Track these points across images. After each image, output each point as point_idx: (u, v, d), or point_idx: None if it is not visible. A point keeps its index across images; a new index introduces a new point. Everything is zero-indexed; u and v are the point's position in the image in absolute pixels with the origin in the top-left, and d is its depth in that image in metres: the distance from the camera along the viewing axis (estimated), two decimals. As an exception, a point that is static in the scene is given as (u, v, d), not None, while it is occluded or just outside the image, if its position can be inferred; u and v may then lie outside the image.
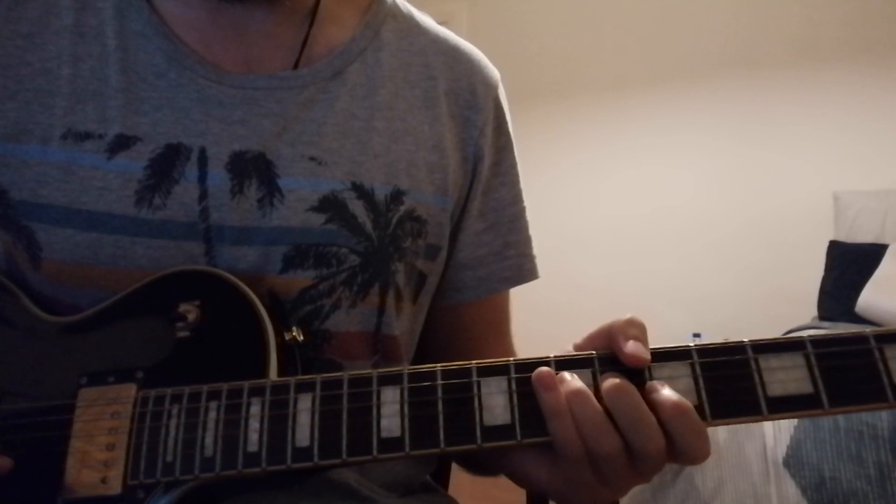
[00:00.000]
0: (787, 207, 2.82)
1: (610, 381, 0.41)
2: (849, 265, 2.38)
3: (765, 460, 1.39)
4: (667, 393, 0.40)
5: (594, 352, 0.43)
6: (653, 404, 0.40)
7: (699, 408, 0.41)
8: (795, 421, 1.39)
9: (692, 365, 0.42)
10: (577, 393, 0.41)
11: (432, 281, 0.64)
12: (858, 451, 1.31)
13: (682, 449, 0.40)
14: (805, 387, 0.40)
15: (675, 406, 0.40)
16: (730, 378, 0.41)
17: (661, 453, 0.40)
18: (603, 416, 0.40)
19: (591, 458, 0.41)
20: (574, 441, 0.41)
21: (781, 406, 0.40)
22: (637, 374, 0.42)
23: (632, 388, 0.41)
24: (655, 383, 0.41)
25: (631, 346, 0.42)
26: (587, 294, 2.98)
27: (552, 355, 0.43)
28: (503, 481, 0.57)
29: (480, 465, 0.63)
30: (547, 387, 0.41)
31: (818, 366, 0.41)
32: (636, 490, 1.49)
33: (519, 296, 0.72)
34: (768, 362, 0.41)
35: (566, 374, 0.42)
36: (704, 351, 0.42)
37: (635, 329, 0.43)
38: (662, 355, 0.42)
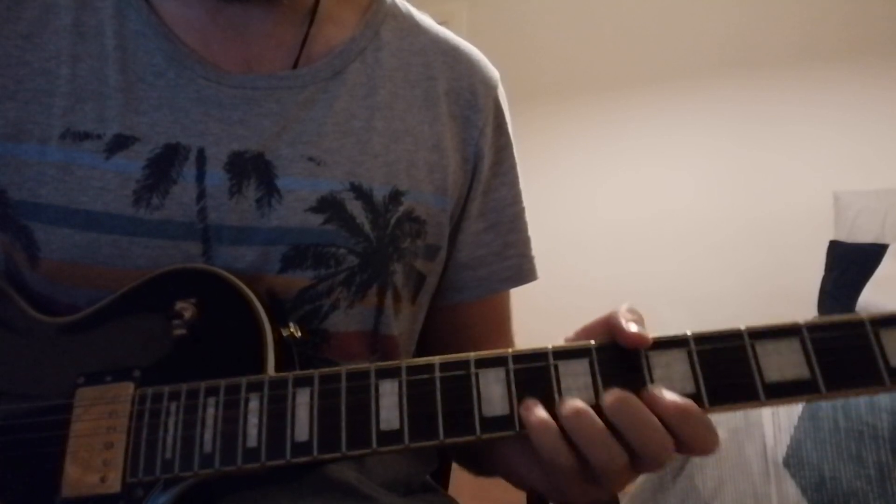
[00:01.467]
0: (788, 208, 2.82)
1: (610, 395, 0.40)
2: (849, 265, 2.38)
3: (765, 460, 1.39)
4: (669, 397, 0.40)
5: (591, 341, 0.43)
6: (656, 409, 0.40)
7: (696, 395, 0.41)
8: (796, 421, 1.39)
9: (689, 352, 0.42)
10: (577, 412, 0.40)
11: (431, 281, 0.64)
12: (858, 451, 1.31)
13: (690, 445, 0.40)
14: (802, 372, 0.40)
15: (680, 409, 0.39)
16: (727, 364, 0.41)
17: (669, 454, 0.40)
18: (606, 432, 0.40)
19: (589, 470, 0.41)
20: (561, 455, 0.40)
21: (779, 391, 0.40)
22: (635, 363, 0.42)
23: (630, 398, 0.40)
24: (653, 389, 0.40)
25: (634, 327, 0.42)
26: (587, 295, 2.98)
27: (550, 346, 0.43)
28: (503, 481, 0.57)
29: (480, 464, 0.63)
30: (525, 407, 0.41)
31: (814, 350, 0.41)
32: (636, 490, 1.49)
33: (519, 296, 0.72)
34: (765, 348, 0.41)
35: (566, 397, 0.41)
36: (701, 338, 0.42)
37: (634, 315, 0.43)
38: (659, 343, 0.42)
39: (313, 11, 0.60)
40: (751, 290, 2.82)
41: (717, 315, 2.83)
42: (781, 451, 1.38)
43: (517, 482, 0.54)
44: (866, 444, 1.32)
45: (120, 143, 0.53)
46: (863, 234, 2.47)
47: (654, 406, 0.40)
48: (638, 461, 0.41)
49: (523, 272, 0.69)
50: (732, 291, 2.86)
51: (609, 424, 0.40)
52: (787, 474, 1.35)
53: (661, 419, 0.40)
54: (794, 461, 1.35)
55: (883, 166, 2.67)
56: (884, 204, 2.49)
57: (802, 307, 2.52)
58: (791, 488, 1.33)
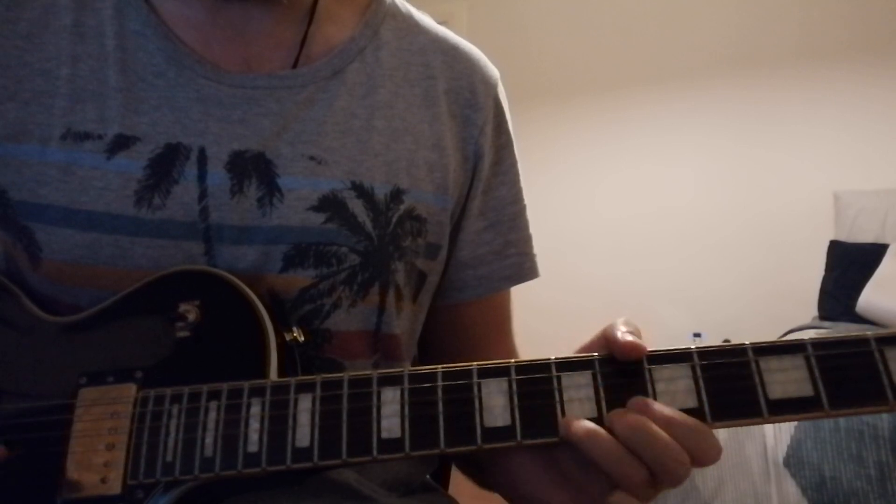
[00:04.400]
0: (788, 207, 2.82)
1: (620, 420, 0.40)
2: (849, 265, 2.38)
3: (765, 460, 1.39)
4: (669, 413, 0.40)
5: (595, 353, 0.43)
6: (658, 423, 0.40)
7: (699, 410, 0.41)
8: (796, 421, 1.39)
9: (693, 367, 0.42)
10: (588, 433, 0.40)
11: (432, 280, 0.64)
12: (859, 451, 1.31)
13: (695, 458, 0.40)
14: (805, 389, 0.40)
15: (680, 425, 0.40)
16: (730, 380, 0.41)
17: (687, 471, 0.40)
18: (623, 450, 0.40)
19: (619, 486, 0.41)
20: (630, 465, 0.40)
21: (782, 408, 0.40)
22: (638, 376, 0.42)
23: (644, 423, 0.40)
24: (653, 404, 0.41)
25: (628, 336, 0.42)
26: (588, 294, 2.98)
27: (553, 358, 0.43)
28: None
29: (482, 474, 0.63)
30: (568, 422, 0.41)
31: (819, 368, 0.40)
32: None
33: (519, 296, 0.72)
34: (769, 364, 0.41)
35: (572, 418, 0.41)
36: (705, 353, 0.42)
37: (630, 327, 0.43)
38: (663, 357, 0.42)
39: (312, 11, 0.60)
40: (751, 289, 2.83)
41: (716, 314, 2.83)
42: (782, 451, 1.38)
43: (520, 500, 0.54)
44: (866, 443, 1.32)
45: (121, 143, 0.53)
46: (863, 234, 2.47)
47: (657, 420, 0.40)
48: (658, 480, 0.41)
49: (524, 270, 0.69)
50: (732, 291, 2.86)
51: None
52: (788, 474, 1.35)
53: (668, 430, 0.40)
54: (794, 461, 1.35)
55: (883, 166, 2.67)
56: (884, 204, 2.49)
57: (802, 307, 2.52)
58: (791, 488, 1.33)
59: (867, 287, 2.22)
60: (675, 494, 1.44)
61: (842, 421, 1.35)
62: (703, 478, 1.42)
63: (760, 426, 1.43)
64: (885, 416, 1.32)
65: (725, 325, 2.72)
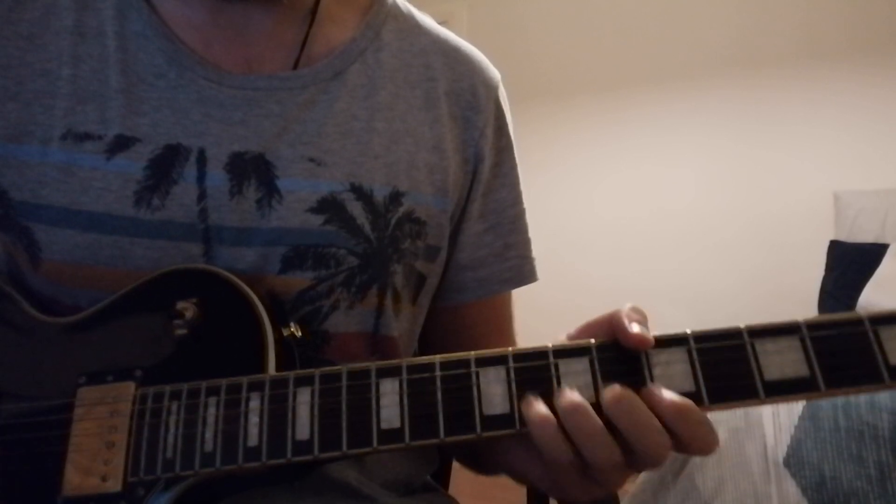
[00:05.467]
0: (788, 207, 2.82)
1: (610, 392, 0.40)
2: (849, 265, 2.38)
3: (765, 460, 1.39)
4: (668, 396, 0.40)
5: (592, 340, 0.43)
6: (655, 408, 0.40)
7: (696, 393, 0.41)
8: (796, 420, 1.40)
9: (689, 350, 0.42)
10: (574, 407, 0.40)
11: (431, 282, 0.64)
12: (859, 451, 1.31)
13: (689, 445, 0.40)
14: (801, 370, 0.40)
15: (678, 409, 0.39)
16: (726, 362, 0.41)
17: (667, 452, 0.40)
18: (602, 429, 0.40)
19: (587, 467, 0.41)
20: (562, 451, 0.40)
21: (778, 389, 0.40)
22: (635, 361, 0.42)
23: (631, 396, 0.40)
24: (652, 387, 0.40)
25: (636, 328, 0.42)
26: (588, 294, 2.98)
27: (550, 345, 0.43)
28: (503, 481, 0.57)
29: (481, 463, 0.63)
30: (526, 402, 0.41)
31: (814, 348, 0.41)
32: (637, 489, 1.49)
33: (519, 296, 0.72)
34: (764, 346, 0.41)
35: (565, 389, 0.41)
36: (701, 336, 0.42)
37: (638, 315, 0.43)
38: (659, 342, 0.42)
39: (314, 12, 0.60)
40: (751, 289, 2.83)
41: (717, 314, 2.83)
42: (782, 450, 1.38)
43: (519, 479, 0.54)
44: (867, 443, 1.32)
45: (121, 143, 0.53)
46: (863, 234, 2.47)
47: (654, 405, 0.40)
48: (634, 459, 0.41)
49: (524, 273, 0.69)
50: (733, 291, 2.86)
51: (607, 421, 0.40)
52: (788, 474, 1.35)
53: (660, 418, 0.39)
54: (794, 461, 1.35)
55: (883, 166, 2.67)
56: (884, 204, 2.49)
57: (803, 307, 2.52)
58: (791, 488, 1.34)
59: (867, 287, 2.22)
60: (675, 494, 1.44)
61: (842, 421, 1.35)
62: (703, 478, 1.42)
63: (761, 426, 1.43)
64: (885, 416, 1.32)
65: (725, 325, 2.70)
